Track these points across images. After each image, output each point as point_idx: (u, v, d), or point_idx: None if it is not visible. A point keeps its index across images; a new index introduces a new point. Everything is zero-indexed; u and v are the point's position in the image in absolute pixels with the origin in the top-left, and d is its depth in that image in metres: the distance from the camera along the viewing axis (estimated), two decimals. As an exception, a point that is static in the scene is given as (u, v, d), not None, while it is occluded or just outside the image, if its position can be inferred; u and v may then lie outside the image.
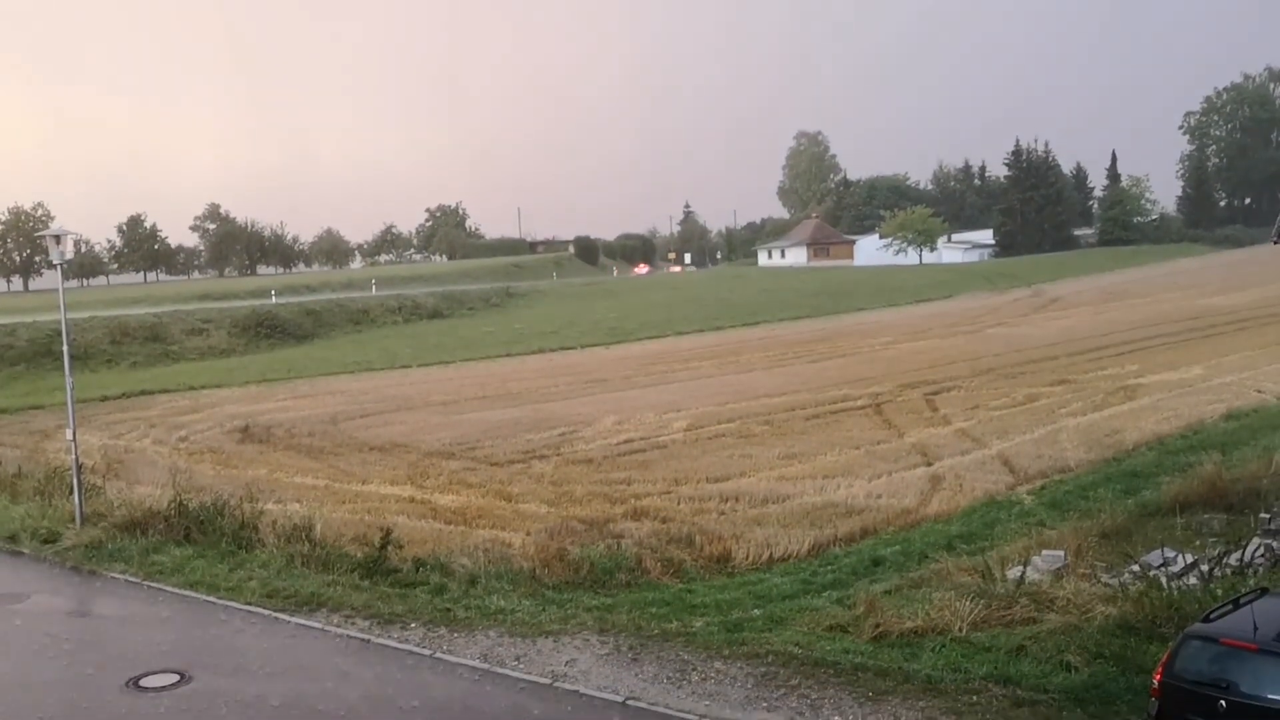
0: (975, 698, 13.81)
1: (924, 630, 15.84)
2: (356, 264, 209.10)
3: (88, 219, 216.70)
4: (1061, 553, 18.96)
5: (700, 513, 25.44)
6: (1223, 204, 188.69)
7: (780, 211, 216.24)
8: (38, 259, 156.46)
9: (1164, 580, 16.93)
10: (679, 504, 26.47)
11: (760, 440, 34.99)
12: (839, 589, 18.93)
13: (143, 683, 15.46)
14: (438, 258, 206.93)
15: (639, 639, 16.46)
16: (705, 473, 30.10)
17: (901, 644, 15.57)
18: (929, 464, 29.84)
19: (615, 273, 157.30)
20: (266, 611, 18.28)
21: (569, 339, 76.37)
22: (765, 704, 14.05)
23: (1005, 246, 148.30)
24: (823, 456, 31.64)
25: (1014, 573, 18.00)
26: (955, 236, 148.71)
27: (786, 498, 26.65)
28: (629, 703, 14.32)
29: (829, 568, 20.60)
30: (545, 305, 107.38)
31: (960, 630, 15.70)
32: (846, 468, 29.83)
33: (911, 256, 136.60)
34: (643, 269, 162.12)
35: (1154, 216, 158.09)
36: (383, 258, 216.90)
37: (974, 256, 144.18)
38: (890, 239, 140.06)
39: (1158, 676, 12.20)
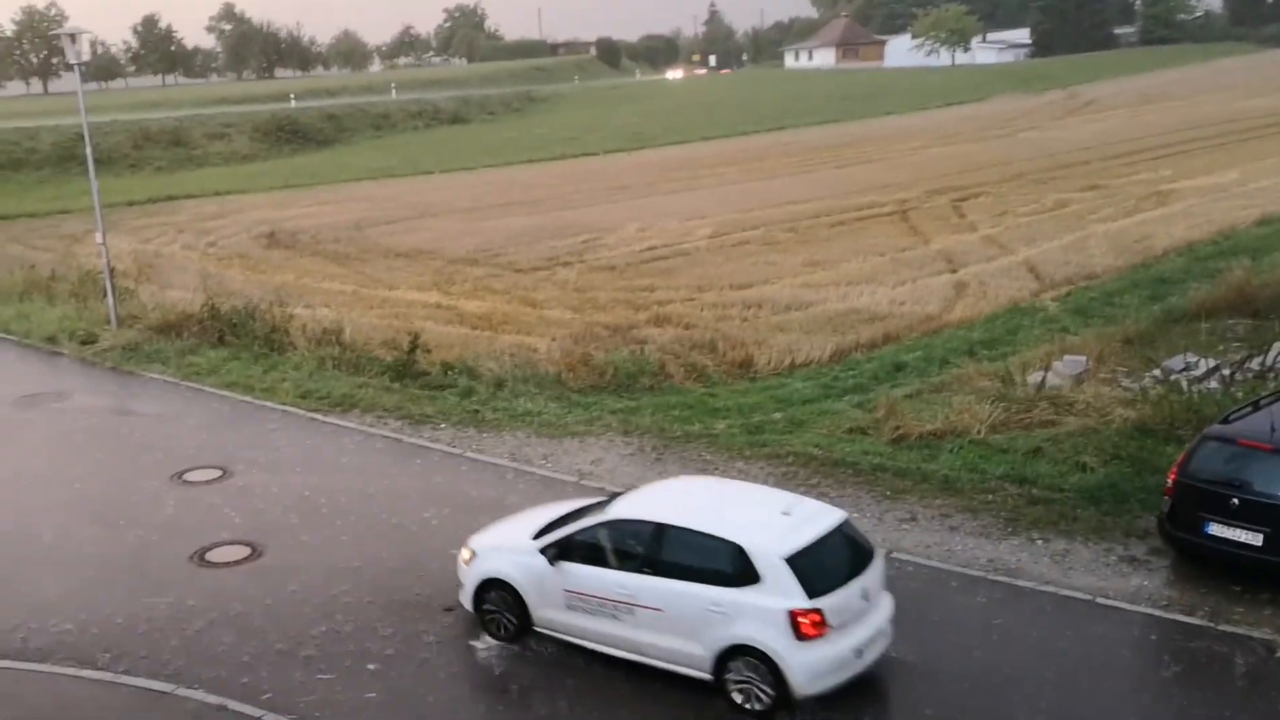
0: (991, 496, 14.23)
1: (943, 433, 16.18)
2: (375, 67, 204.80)
3: (102, 19, 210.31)
4: (1084, 358, 19.07)
5: (723, 319, 25.61)
6: (1270, 0, 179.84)
7: (809, 10, 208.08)
8: (55, 60, 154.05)
9: (1184, 384, 17.10)
10: (702, 310, 26.63)
11: (784, 247, 34.85)
12: (860, 394, 19.22)
13: (186, 476, 16.10)
14: (457, 61, 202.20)
15: (662, 440, 16.89)
16: (728, 280, 30.13)
17: (920, 446, 15.93)
18: (954, 271, 29.75)
19: (638, 75, 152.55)
20: (301, 412, 18.80)
21: (591, 145, 75.23)
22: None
23: (1042, 46, 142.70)
24: (847, 263, 31.56)
25: (1035, 378, 18.20)
26: (990, 36, 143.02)
27: (809, 304, 26.74)
28: (653, 499, 14.80)
29: (850, 373, 20.85)
30: (567, 110, 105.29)
31: (979, 433, 16.03)
32: (870, 274, 29.78)
33: (944, 58, 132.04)
34: (678, 72, 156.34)
35: (1198, 14, 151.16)
36: (401, 60, 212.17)
37: (1009, 57, 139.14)
38: (922, 39, 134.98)
39: (1172, 475, 12.49)
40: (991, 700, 10.25)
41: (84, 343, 22.94)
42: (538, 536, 11.51)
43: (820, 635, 9.88)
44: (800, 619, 9.83)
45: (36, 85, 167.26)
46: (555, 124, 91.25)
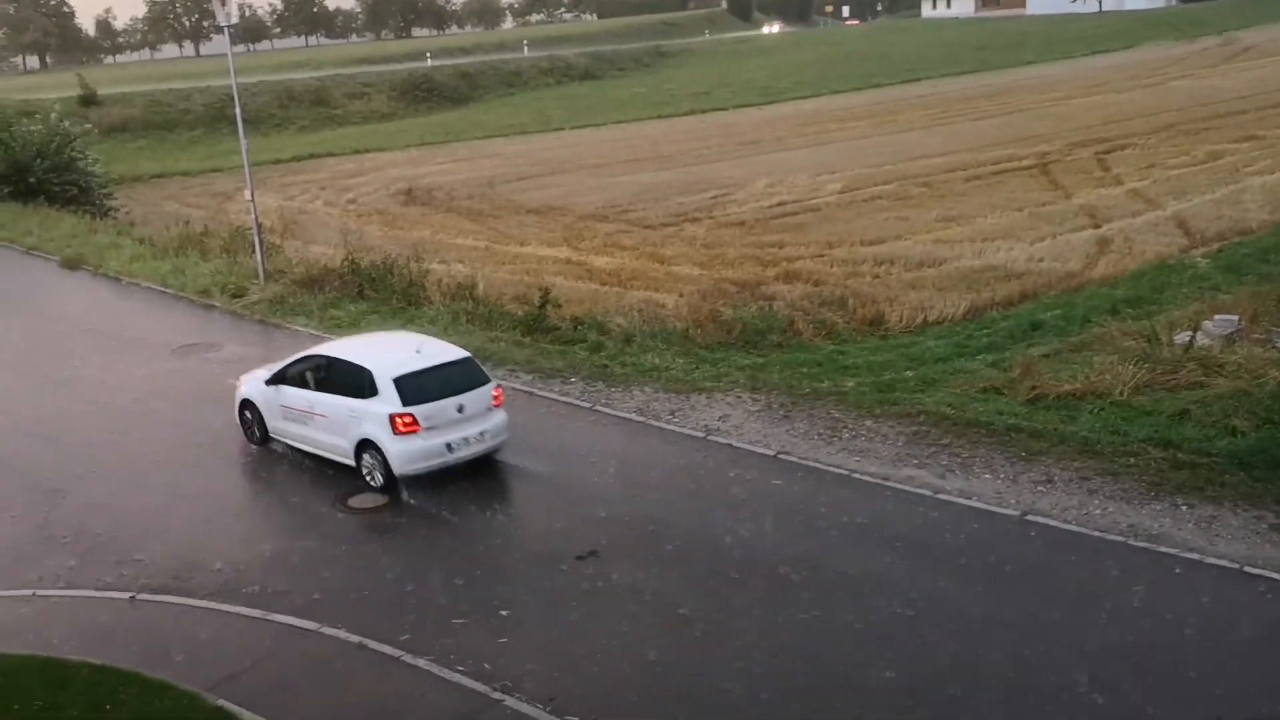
0: (1133, 460, 13.76)
1: (1082, 393, 15.68)
2: (508, 24, 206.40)
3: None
4: (1235, 317, 18.22)
5: (853, 276, 25.28)
6: None
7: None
8: (206, 24, 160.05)
9: (1345, 347, 16.21)
10: (832, 267, 26.34)
11: (917, 202, 34.13)
12: (995, 352, 18.76)
13: (329, 426, 16.76)
14: (588, 16, 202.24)
15: (790, 397, 16.80)
16: (859, 236, 29.70)
17: (1058, 407, 15.48)
18: (1096, 226, 28.71)
19: (766, 29, 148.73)
20: (436, 364, 19.27)
21: (720, 99, 74.65)
22: (915, 461, 14.33)
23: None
24: (983, 219, 30.76)
25: (1182, 338, 17.47)
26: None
27: (943, 261, 26.19)
28: (780, 456, 14.80)
29: (985, 331, 20.38)
30: (696, 64, 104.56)
31: (1121, 394, 15.47)
32: (1008, 230, 28.96)
33: (1090, 3, 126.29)
34: (773, 27, 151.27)
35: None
36: (533, 17, 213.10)
37: (1160, 2, 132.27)
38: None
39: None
40: (1125, 668, 10.00)
41: (234, 296, 23.94)
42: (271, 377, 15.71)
43: (413, 432, 13.91)
44: (397, 419, 13.88)
45: (189, 48, 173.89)
46: (685, 79, 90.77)
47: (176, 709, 9.61)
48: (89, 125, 43.94)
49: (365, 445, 14.22)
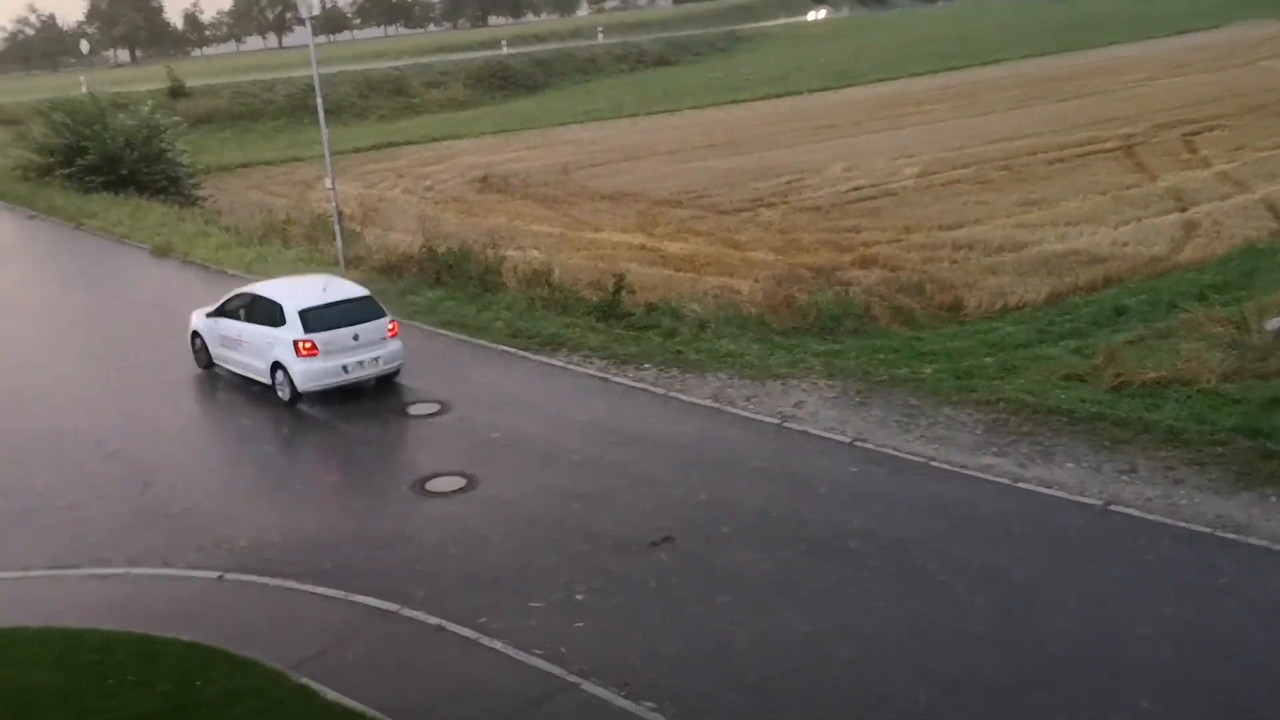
0: (1221, 449, 13.40)
1: (1168, 381, 15.33)
2: (583, 11, 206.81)
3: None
4: (1329, 304, 17.67)
5: (931, 261, 24.97)
6: None
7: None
8: (288, 16, 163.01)
9: None
10: (909, 252, 26.04)
11: (997, 186, 33.57)
12: (1077, 339, 18.42)
13: (408, 410, 17.04)
14: (662, 2, 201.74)
15: (866, 384, 16.66)
16: (937, 220, 29.31)
17: (1143, 394, 15.15)
18: (1183, 209, 27.98)
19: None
20: (512, 350, 19.49)
21: (796, 83, 74.01)
22: (995, 449, 14.13)
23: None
24: (1065, 202, 30.15)
25: (1273, 324, 16.97)
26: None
27: (1024, 245, 25.75)
28: (856, 444, 14.70)
29: (1067, 317, 20.00)
30: (772, 48, 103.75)
31: (1208, 382, 15.11)
32: (1091, 214, 28.37)
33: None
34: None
35: None
36: (608, 3, 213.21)
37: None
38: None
39: None
40: (1202, 662, 9.78)
41: (328, 283, 24.39)
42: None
43: (313, 356, 16.75)
44: (299, 344, 16.74)
45: (272, 40, 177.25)
46: (759, 63, 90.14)
47: (263, 686, 9.87)
48: (177, 117, 45.03)
49: (277, 366, 17.22)
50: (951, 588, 11.12)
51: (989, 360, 17.44)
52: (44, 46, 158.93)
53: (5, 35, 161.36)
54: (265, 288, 18.53)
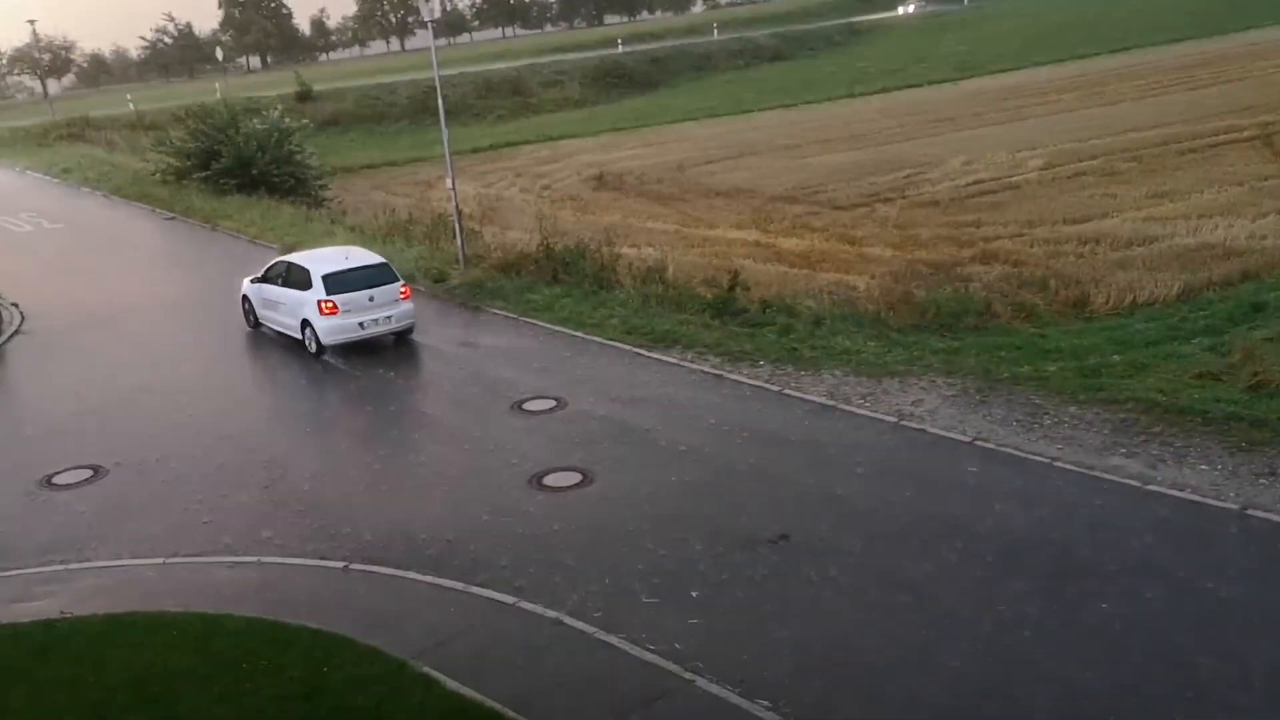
0: (1366, 452, 12.76)
1: (1310, 380, 14.63)
2: (698, 7, 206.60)
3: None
4: None
5: (1055, 255, 24.31)
6: None
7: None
8: (410, 19, 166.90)
9: None
10: (1032, 247, 25.41)
11: (1126, 178, 32.49)
12: (1211, 336, 17.72)
13: (525, 406, 17.29)
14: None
15: (987, 382, 16.31)
16: (1062, 214, 28.54)
17: (1282, 394, 14.49)
18: (1329, 201, 26.63)
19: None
20: (626, 347, 19.63)
21: (914, 76, 72.79)
22: (1123, 450, 13.69)
23: None
24: (1198, 195, 29.02)
25: None
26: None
27: (1154, 239, 24.87)
28: (976, 443, 14.40)
29: (1200, 313, 19.25)
30: (890, 40, 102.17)
31: (1354, 381, 14.37)
32: (1226, 206, 27.24)
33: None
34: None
35: None
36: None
37: None
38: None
39: None
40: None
41: (436, 280, 24.96)
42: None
43: (334, 314, 19.70)
44: (323, 304, 19.72)
45: (395, 44, 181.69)
46: (878, 56, 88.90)
47: (386, 674, 10.16)
48: (305, 120, 46.56)
49: (305, 324, 20.17)
50: (1076, 591, 10.81)
51: (1117, 358, 16.90)
52: (181, 55, 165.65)
53: (145, 45, 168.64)
54: (297, 257, 21.62)
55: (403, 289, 20.52)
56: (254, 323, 22.23)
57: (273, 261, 22.12)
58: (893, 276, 22.60)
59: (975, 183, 34.40)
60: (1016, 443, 14.24)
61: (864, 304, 20.57)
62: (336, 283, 19.84)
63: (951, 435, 14.71)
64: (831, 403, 16.28)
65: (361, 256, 21.10)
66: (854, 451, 14.63)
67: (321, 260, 20.84)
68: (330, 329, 19.81)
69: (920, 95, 63.85)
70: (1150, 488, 12.71)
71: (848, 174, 38.15)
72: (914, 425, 15.15)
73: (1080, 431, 14.36)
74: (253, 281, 22.09)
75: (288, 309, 20.71)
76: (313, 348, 20.12)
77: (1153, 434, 13.99)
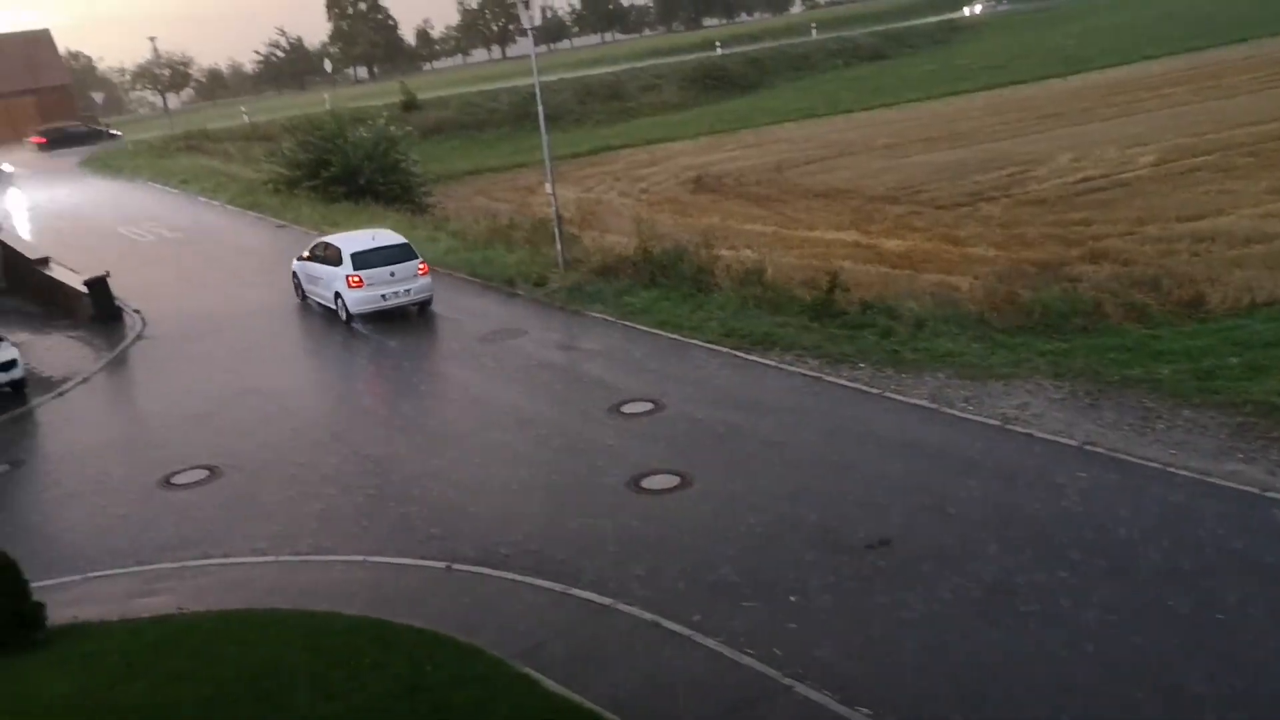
0: None
1: None
2: (797, 8, 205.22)
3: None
4: None
5: (1168, 254, 23.56)
6: None
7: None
8: (511, 27, 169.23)
9: None
10: (1143, 245, 24.67)
11: (1243, 173, 31.30)
12: (1337, 337, 16.95)
13: (623, 408, 17.38)
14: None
15: (1097, 385, 15.88)
16: (1175, 211, 27.63)
17: None
18: None
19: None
20: (725, 349, 19.60)
21: (1019, 72, 71.17)
22: (1241, 455, 13.21)
23: None
24: (1323, 190, 27.81)
25: None
26: None
27: (1273, 237, 23.95)
28: (1086, 448, 14.03)
29: (1325, 314, 18.42)
30: (993, 36, 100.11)
31: None
32: (1354, 202, 26.05)
33: None
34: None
35: None
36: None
37: None
38: None
39: None
40: None
41: (536, 284, 25.24)
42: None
43: (360, 287, 22.73)
44: (350, 278, 22.76)
45: (496, 51, 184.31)
46: (980, 52, 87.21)
47: (486, 673, 10.32)
48: (410, 128, 47.56)
49: (337, 295, 23.28)
50: (1190, 605, 10.45)
51: (1234, 360, 16.28)
52: (292, 67, 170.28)
53: (259, 59, 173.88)
54: (333, 238, 24.67)
55: (421, 265, 23.41)
56: (301, 295, 25.40)
57: (315, 241, 25.29)
58: (997, 277, 22.16)
59: (1083, 180, 33.51)
60: (1128, 448, 13.84)
61: (967, 305, 20.20)
62: (362, 260, 22.86)
63: (1059, 440, 14.36)
64: (934, 406, 16.02)
65: (386, 237, 24.08)
66: (957, 456, 14.37)
67: (351, 240, 23.96)
68: (357, 300, 22.84)
69: (1025, 91, 62.42)
70: (1270, 494, 12.24)
71: (950, 173, 37.50)
72: (1020, 429, 14.83)
73: (1195, 436, 13.90)
74: (299, 260, 25.20)
75: (324, 283, 23.81)
76: (343, 315, 23.21)
77: (1272, 439, 13.46)
